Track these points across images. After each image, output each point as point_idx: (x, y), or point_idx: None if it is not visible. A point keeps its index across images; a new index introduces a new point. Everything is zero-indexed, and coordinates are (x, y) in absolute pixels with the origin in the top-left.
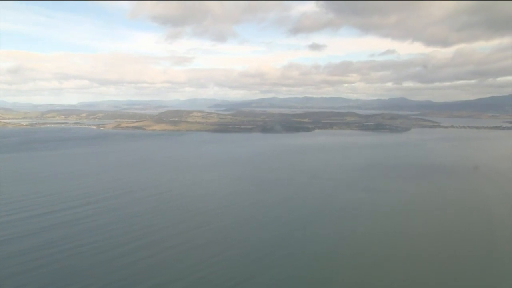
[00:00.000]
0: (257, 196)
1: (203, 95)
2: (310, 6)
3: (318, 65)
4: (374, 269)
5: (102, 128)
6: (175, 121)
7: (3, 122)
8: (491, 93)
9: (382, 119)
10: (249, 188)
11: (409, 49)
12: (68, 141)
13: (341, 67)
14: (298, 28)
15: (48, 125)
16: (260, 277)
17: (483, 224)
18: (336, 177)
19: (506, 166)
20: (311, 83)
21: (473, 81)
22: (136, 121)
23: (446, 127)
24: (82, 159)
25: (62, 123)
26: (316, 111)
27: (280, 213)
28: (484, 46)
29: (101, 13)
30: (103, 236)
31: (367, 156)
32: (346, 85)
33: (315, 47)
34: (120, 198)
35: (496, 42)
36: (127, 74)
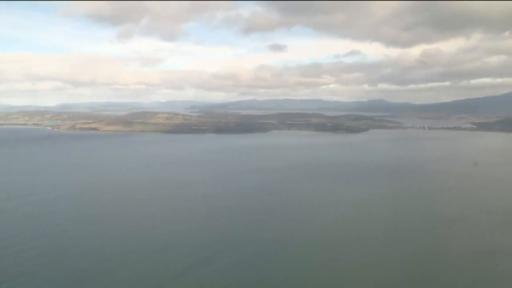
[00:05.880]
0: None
1: (182, 97)
2: (255, 7)
3: (288, 66)
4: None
5: (56, 129)
6: (130, 122)
7: None
8: (467, 95)
9: (346, 120)
10: (137, 194)
11: (370, 50)
12: (6, 142)
13: (311, 69)
14: (251, 27)
15: (5, 126)
16: None
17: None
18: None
19: (435, 166)
20: (286, 85)
21: (446, 83)
22: (92, 122)
23: (405, 128)
24: None
25: (21, 124)
26: (284, 113)
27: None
28: (450, 49)
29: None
30: None
31: (295, 156)
32: (323, 87)
33: (276, 47)
34: None
35: (459, 43)
36: (99, 75)
